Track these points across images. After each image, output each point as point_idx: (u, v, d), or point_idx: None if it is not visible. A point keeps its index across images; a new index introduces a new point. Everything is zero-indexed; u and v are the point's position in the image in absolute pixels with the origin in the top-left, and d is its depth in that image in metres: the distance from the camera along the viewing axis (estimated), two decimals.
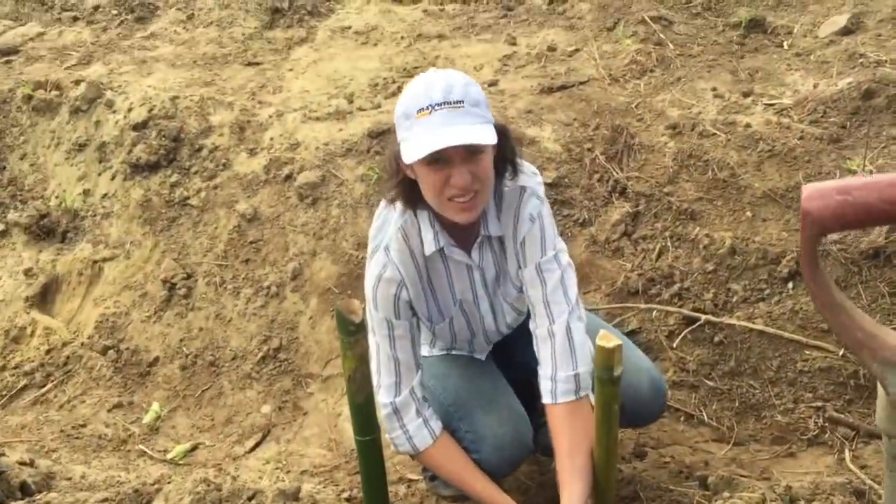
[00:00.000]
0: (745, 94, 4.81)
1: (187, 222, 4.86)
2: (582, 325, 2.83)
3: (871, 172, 3.93)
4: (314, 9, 6.65)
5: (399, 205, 2.76)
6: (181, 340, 4.50)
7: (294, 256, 4.54)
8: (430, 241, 2.78)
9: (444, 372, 3.07)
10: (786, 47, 5.39)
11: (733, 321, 3.73)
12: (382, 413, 2.88)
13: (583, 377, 2.77)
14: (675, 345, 3.81)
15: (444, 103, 2.47)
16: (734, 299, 3.83)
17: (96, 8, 7.21)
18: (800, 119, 4.43)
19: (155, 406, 4.24)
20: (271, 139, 5.04)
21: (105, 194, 5.14)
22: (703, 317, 3.77)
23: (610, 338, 2.40)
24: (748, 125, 4.44)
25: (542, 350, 2.81)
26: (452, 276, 2.88)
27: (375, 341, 2.83)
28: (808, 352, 3.63)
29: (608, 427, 2.51)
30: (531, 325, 2.87)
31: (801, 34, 5.51)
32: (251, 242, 4.66)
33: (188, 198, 4.92)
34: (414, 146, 2.49)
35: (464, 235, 2.82)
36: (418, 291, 2.84)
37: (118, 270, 4.84)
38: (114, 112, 5.33)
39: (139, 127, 5.15)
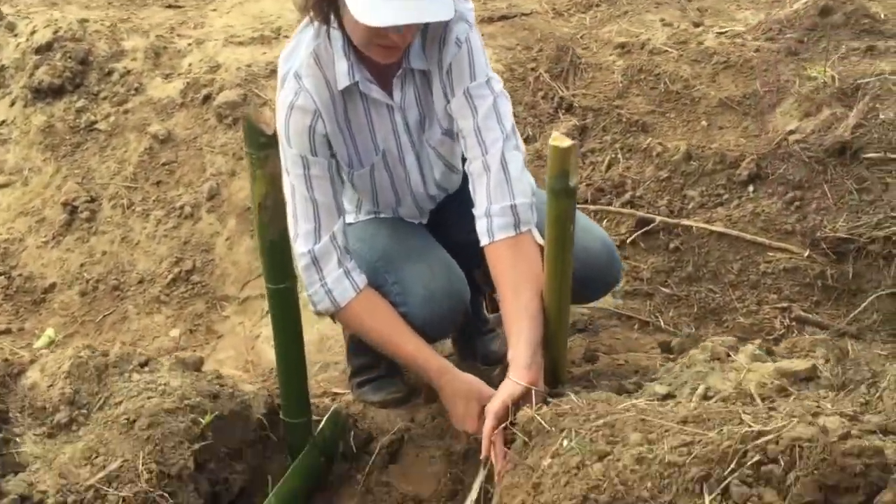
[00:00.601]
0: (696, 25, 4.57)
1: (93, 147, 4.42)
2: (520, 156, 2.47)
3: (833, 79, 3.68)
4: None
5: (315, 25, 2.39)
6: (81, 265, 4.04)
7: (211, 177, 4.13)
8: (343, 73, 2.40)
9: (371, 233, 2.68)
10: None
11: (690, 223, 3.42)
12: (300, 265, 2.47)
13: (521, 209, 2.40)
14: (627, 254, 3.48)
15: None
16: (690, 205, 3.53)
17: None
18: (755, 38, 4.18)
19: (49, 331, 3.75)
20: (189, 65, 4.64)
21: (3, 121, 4.67)
22: (658, 218, 3.46)
23: (563, 138, 2.05)
24: (700, 43, 4.19)
25: (478, 187, 2.44)
26: (373, 118, 2.51)
27: (290, 182, 2.44)
28: (771, 253, 3.34)
29: (562, 255, 2.15)
30: (466, 167, 2.50)
31: None
32: (164, 164, 4.24)
33: (95, 122, 4.48)
34: (366, 7, 2.14)
35: (383, 70, 2.46)
36: (335, 129, 2.46)
37: (13, 197, 4.37)
38: (15, 35, 4.88)
39: (42, 49, 4.70)
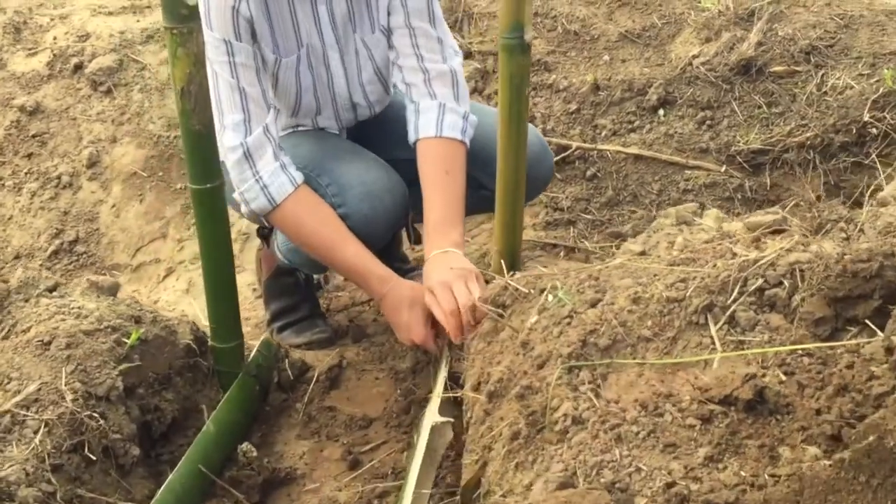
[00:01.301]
0: None
1: None
2: (460, 61, 2.37)
3: (726, 7, 3.71)
4: None
5: None
6: None
7: (89, 144, 3.81)
8: None
9: (294, 143, 2.49)
10: None
11: (606, 147, 3.35)
12: (231, 160, 2.26)
13: (470, 121, 2.36)
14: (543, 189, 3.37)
15: None
16: (603, 133, 3.47)
17: None
18: None
19: None
20: (54, 38, 4.30)
21: None
22: (575, 144, 3.37)
23: None
24: None
25: (440, 86, 2.37)
26: (296, 7, 2.33)
27: (213, 70, 2.22)
28: (689, 171, 3.31)
29: (517, 122, 2.01)
30: (408, 63, 2.37)
31: None
32: (34, 136, 3.90)
33: None
34: None
35: None
36: (259, 13, 2.26)
37: None
38: None
39: None
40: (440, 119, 2.35)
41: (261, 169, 2.25)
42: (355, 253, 2.30)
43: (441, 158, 2.33)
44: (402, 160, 2.52)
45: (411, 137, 2.41)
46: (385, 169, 2.41)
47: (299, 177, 2.30)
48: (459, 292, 2.06)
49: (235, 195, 2.29)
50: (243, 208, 2.32)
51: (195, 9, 1.95)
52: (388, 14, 2.39)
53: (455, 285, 2.09)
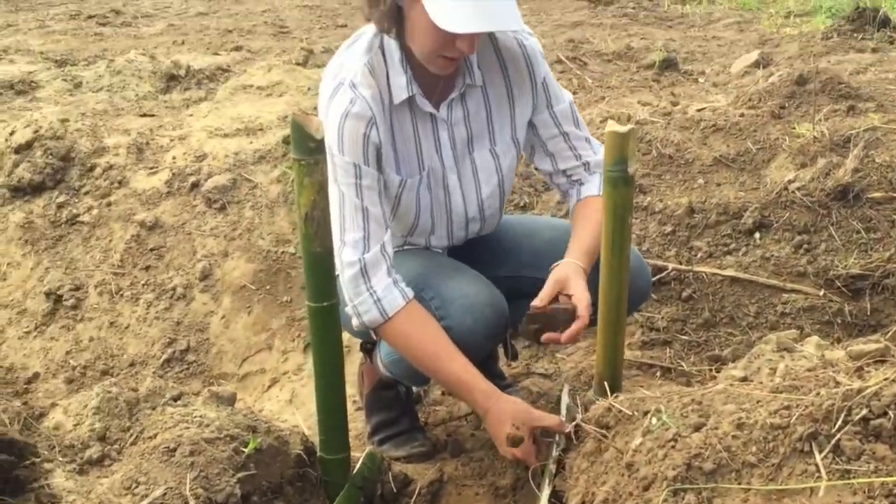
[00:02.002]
0: (674, 104, 4.69)
1: (76, 239, 4.30)
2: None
3: (822, 134, 3.78)
4: (213, 75, 6.36)
5: (365, 41, 2.43)
6: (67, 353, 3.86)
7: (203, 258, 4.02)
8: (401, 86, 2.43)
9: (401, 260, 2.60)
10: (701, 81, 5.38)
11: (703, 269, 3.40)
12: (347, 275, 2.39)
13: None
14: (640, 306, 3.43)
15: None
16: (699, 255, 3.52)
17: None
18: (736, 108, 4.30)
19: None
20: (174, 158, 4.59)
21: None
22: (671, 266, 3.44)
23: (620, 125, 2.04)
24: (685, 112, 4.29)
25: (576, 171, 2.65)
26: (419, 133, 2.50)
27: (339, 190, 2.38)
28: (786, 295, 3.33)
29: (620, 250, 2.10)
30: (563, 165, 2.65)
31: (714, 73, 5.54)
32: (152, 250, 4.13)
33: (77, 216, 4.37)
34: (449, 11, 2.20)
35: (432, 84, 2.47)
36: (387, 139, 2.44)
37: None
38: None
39: (22, 149, 4.62)
40: (579, 190, 2.62)
41: (375, 284, 2.38)
42: (461, 367, 2.39)
43: (584, 205, 2.59)
44: (502, 278, 2.63)
45: (572, 203, 2.64)
46: (486, 283, 2.52)
47: (410, 292, 2.41)
48: None
49: (348, 308, 2.41)
50: (355, 321, 2.43)
51: (321, 142, 2.10)
52: (535, 128, 2.60)
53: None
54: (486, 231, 2.79)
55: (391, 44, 2.40)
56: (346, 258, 2.38)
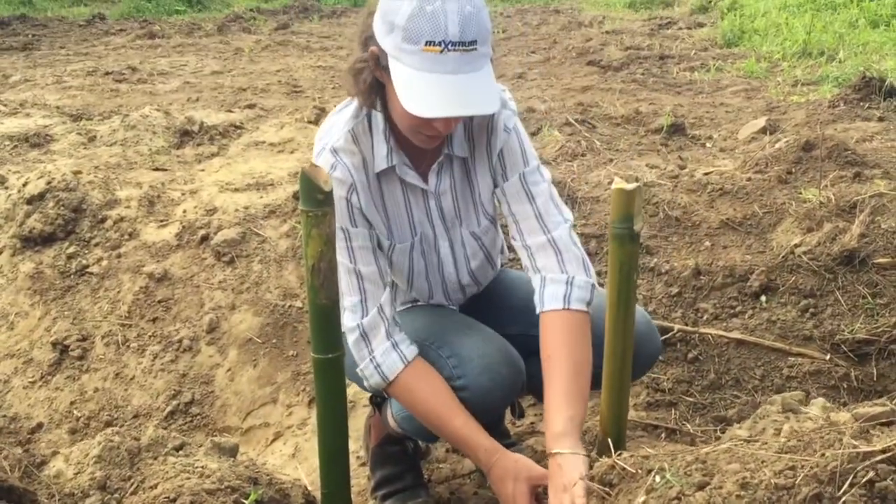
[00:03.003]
0: (681, 167, 4.73)
1: (85, 289, 4.32)
2: (566, 228, 2.50)
3: (828, 199, 3.81)
4: (225, 131, 6.43)
5: (352, 108, 2.45)
6: (71, 403, 3.85)
7: (210, 311, 4.04)
8: (382, 156, 2.43)
9: (412, 318, 2.62)
10: (709, 146, 5.43)
11: (709, 330, 3.40)
12: (350, 340, 2.41)
13: (596, 291, 2.44)
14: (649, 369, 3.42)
15: (459, 44, 2.12)
16: (705, 317, 3.53)
17: None
18: (743, 172, 4.34)
19: None
20: (184, 212, 4.64)
21: None
22: (677, 327, 3.43)
23: (626, 182, 2.06)
24: (692, 176, 4.32)
25: (542, 258, 2.45)
26: (410, 200, 2.52)
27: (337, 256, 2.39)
28: (792, 358, 3.32)
29: (625, 307, 2.11)
30: (521, 244, 2.49)
31: (722, 139, 5.58)
32: (160, 301, 4.15)
33: (87, 267, 4.40)
34: (417, 93, 2.15)
35: (419, 155, 2.49)
36: (370, 203, 2.45)
37: None
38: (6, 188, 4.86)
39: (35, 199, 4.67)
40: (542, 293, 2.44)
41: (375, 348, 2.40)
42: (463, 424, 2.38)
43: (567, 339, 2.37)
44: (515, 335, 2.64)
45: (537, 301, 2.48)
46: (502, 342, 2.52)
47: (410, 353, 2.42)
48: None
49: (357, 370, 2.43)
50: (364, 384, 2.46)
51: (329, 194, 2.13)
52: (509, 202, 2.51)
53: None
54: (484, 287, 2.80)
55: (377, 114, 2.41)
56: (346, 323, 2.39)
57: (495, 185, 2.54)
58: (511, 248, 2.88)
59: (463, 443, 2.42)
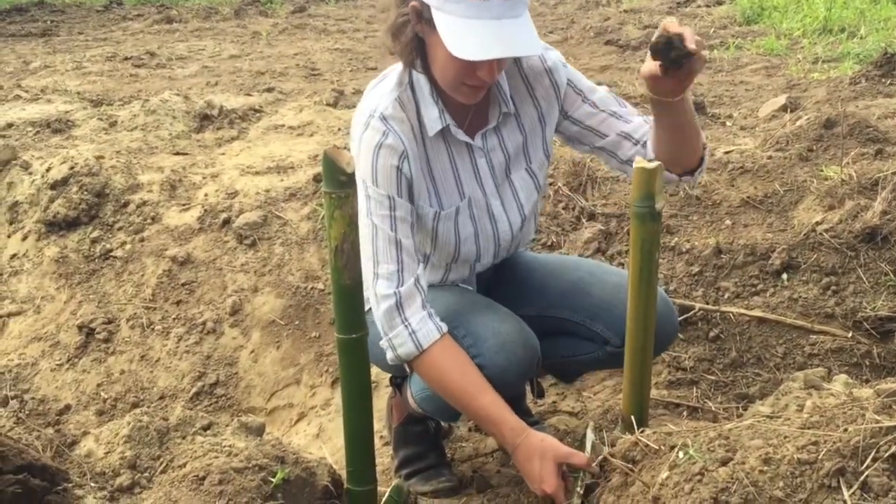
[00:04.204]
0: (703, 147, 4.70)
1: (109, 273, 4.37)
2: None
3: (850, 177, 3.79)
4: (245, 115, 6.45)
5: (394, 77, 2.47)
6: (98, 385, 3.91)
7: (233, 293, 4.07)
8: (434, 118, 2.46)
9: (432, 297, 2.63)
10: (729, 125, 5.40)
11: (730, 309, 3.41)
12: (382, 308, 2.41)
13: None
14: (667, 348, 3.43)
15: None
16: (726, 296, 3.53)
17: (10, 125, 6.87)
18: (764, 151, 4.32)
19: None
20: (206, 195, 4.67)
21: (14, 255, 4.62)
22: (698, 305, 3.44)
23: (647, 161, 2.07)
24: (713, 154, 4.31)
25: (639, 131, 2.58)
26: (457, 164, 2.54)
27: (372, 223, 2.42)
28: (814, 336, 3.32)
29: (647, 286, 2.12)
30: (627, 126, 2.58)
31: (742, 117, 5.56)
32: (183, 284, 4.19)
33: (111, 251, 4.45)
34: (463, 38, 2.20)
35: (464, 113, 2.52)
36: (419, 174, 2.48)
37: (25, 325, 4.27)
38: (29, 173, 4.90)
39: (58, 185, 4.71)
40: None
41: (410, 316, 2.40)
42: (491, 402, 2.40)
43: None
44: (529, 317, 2.65)
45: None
46: (518, 322, 2.53)
47: (444, 326, 2.43)
48: None
49: (383, 342, 2.44)
50: (389, 354, 2.45)
51: (352, 176, 2.14)
52: (579, 122, 2.58)
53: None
54: (522, 243, 2.82)
55: (420, 78, 2.44)
56: (380, 291, 2.40)
57: (567, 114, 2.60)
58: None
59: (489, 421, 2.44)
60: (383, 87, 2.48)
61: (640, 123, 2.58)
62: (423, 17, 2.27)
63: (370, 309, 2.52)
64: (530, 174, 2.64)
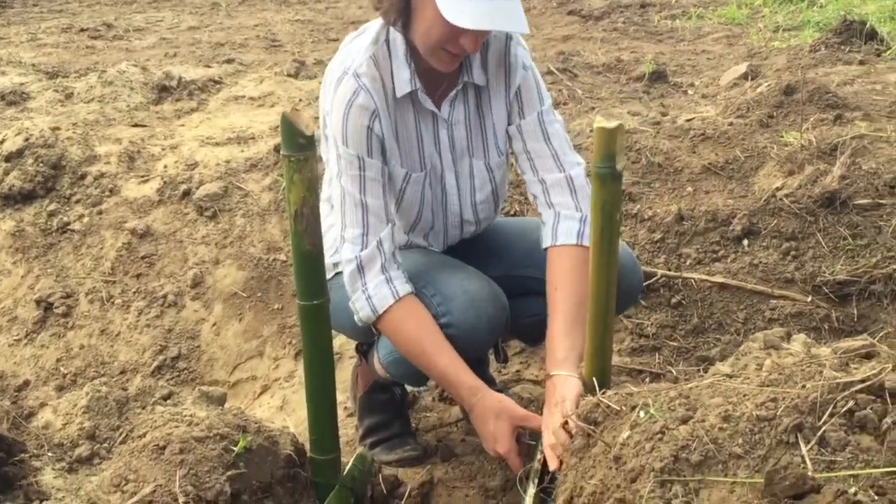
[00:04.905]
0: (663, 114, 4.73)
1: (67, 247, 4.31)
2: (580, 170, 2.60)
3: (809, 142, 3.82)
4: (204, 86, 6.36)
5: (371, 33, 2.46)
6: (58, 360, 3.86)
7: (194, 266, 4.03)
8: (405, 80, 2.45)
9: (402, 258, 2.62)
10: (691, 94, 5.42)
11: (692, 275, 3.43)
12: (346, 272, 2.43)
13: (588, 223, 2.48)
14: (629, 312, 3.45)
15: None
16: (687, 262, 3.54)
17: None
18: (724, 118, 4.34)
19: None
20: (165, 167, 4.61)
21: None
22: (660, 272, 3.45)
23: (607, 121, 2.06)
24: (674, 122, 4.32)
25: (557, 194, 2.53)
26: (421, 130, 2.53)
27: (341, 184, 2.41)
28: (774, 301, 3.35)
29: (609, 246, 2.11)
30: (534, 179, 2.54)
31: (703, 85, 5.58)
32: (143, 257, 4.14)
33: (68, 224, 4.38)
34: (459, 5, 2.21)
35: (435, 83, 2.50)
36: (390, 133, 2.46)
37: None
38: None
39: (13, 157, 4.62)
40: (555, 227, 2.52)
41: (368, 281, 2.40)
42: (449, 361, 2.39)
43: (573, 272, 2.46)
44: (497, 277, 2.65)
45: (546, 235, 2.56)
46: (486, 280, 2.54)
47: (403, 289, 2.41)
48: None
49: (350, 302, 2.43)
50: (355, 317, 2.46)
51: (311, 139, 2.12)
52: (524, 139, 2.57)
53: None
54: (482, 229, 2.82)
55: (397, 37, 2.43)
56: (345, 255, 2.41)
57: (510, 123, 2.59)
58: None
59: (446, 380, 2.44)
60: (360, 43, 2.47)
61: (541, 186, 2.57)
62: None
63: (335, 275, 2.51)
64: (487, 169, 2.64)
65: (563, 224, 2.51)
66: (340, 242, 2.42)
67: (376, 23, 2.48)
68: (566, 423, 2.06)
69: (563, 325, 2.39)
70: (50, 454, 2.14)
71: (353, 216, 2.40)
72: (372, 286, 2.39)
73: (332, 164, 2.48)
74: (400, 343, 2.46)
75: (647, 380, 3.23)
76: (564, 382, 2.28)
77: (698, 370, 3.05)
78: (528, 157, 2.57)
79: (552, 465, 2.14)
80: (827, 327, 3.25)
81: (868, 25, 5.87)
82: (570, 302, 2.40)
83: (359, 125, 2.38)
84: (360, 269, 2.40)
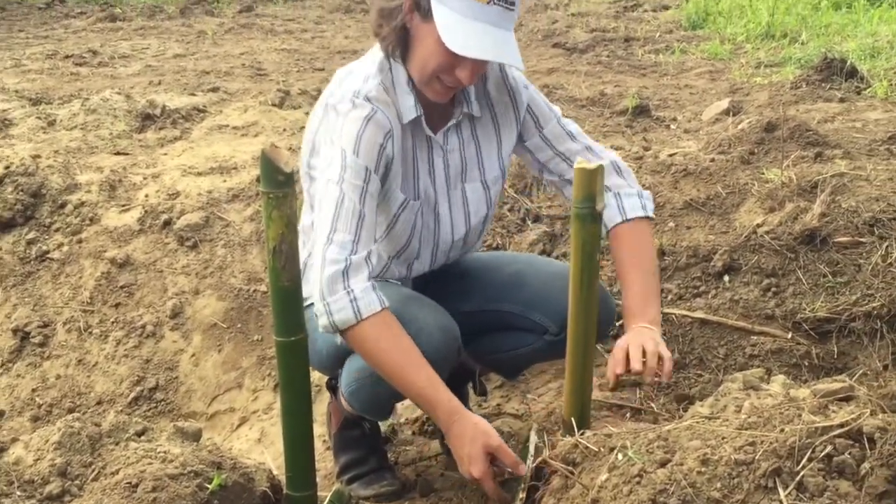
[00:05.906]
0: (646, 149, 4.74)
1: (46, 275, 4.27)
2: (615, 155, 2.81)
3: (790, 179, 3.83)
4: (188, 114, 6.35)
5: (377, 60, 2.49)
6: (33, 391, 3.82)
7: (174, 296, 4.00)
8: (409, 106, 2.48)
9: None
10: (673, 128, 5.45)
11: (673, 311, 3.42)
12: (327, 272, 2.32)
13: (646, 196, 2.74)
14: (609, 348, 3.43)
15: (503, 0, 2.32)
16: (668, 298, 3.54)
17: None
18: (706, 153, 4.36)
19: None
20: (146, 196, 4.59)
21: None
22: None
23: (589, 162, 2.06)
24: (657, 157, 4.34)
25: (607, 178, 2.52)
26: (417, 159, 2.56)
27: (341, 190, 2.37)
28: (755, 337, 3.34)
29: (588, 285, 2.11)
30: (570, 176, 2.54)
31: (686, 120, 5.60)
32: (122, 287, 4.11)
33: (47, 252, 4.35)
34: (460, 35, 2.28)
35: (432, 112, 2.55)
36: (399, 156, 2.49)
37: None
38: None
39: None
40: (621, 205, 2.64)
41: (354, 285, 2.32)
42: (427, 379, 2.34)
43: (624, 241, 2.64)
44: (471, 313, 2.71)
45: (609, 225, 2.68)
46: (438, 309, 2.54)
47: (387, 302, 2.38)
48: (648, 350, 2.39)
49: (317, 307, 2.35)
50: (323, 320, 2.35)
51: (290, 175, 2.11)
52: (532, 153, 2.68)
53: (646, 344, 2.39)
54: (464, 254, 2.83)
55: (397, 67, 2.47)
56: (330, 255, 2.32)
57: (527, 139, 2.67)
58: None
59: (424, 399, 2.39)
60: (365, 71, 2.48)
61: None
62: (420, 6, 2.32)
63: (311, 304, 2.45)
64: (484, 186, 2.68)
65: (627, 201, 2.65)
66: (325, 243, 2.33)
67: (374, 55, 2.51)
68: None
69: (640, 295, 2.56)
70: (20, 492, 2.10)
71: (346, 221, 2.35)
72: (359, 290, 2.32)
73: (327, 171, 2.42)
74: (378, 353, 2.37)
75: (628, 415, 3.23)
76: (647, 330, 2.46)
77: (678, 408, 3.05)
78: (562, 157, 2.67)
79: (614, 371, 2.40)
80: (807, 364, 3.25)
81: (849, 63, 5.93)
82: (645, 271, 2.60)
83: (374, 141, 2.39)
84: (347, 272, 2.32)
